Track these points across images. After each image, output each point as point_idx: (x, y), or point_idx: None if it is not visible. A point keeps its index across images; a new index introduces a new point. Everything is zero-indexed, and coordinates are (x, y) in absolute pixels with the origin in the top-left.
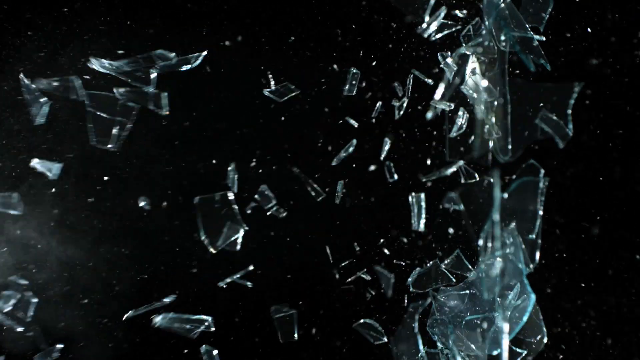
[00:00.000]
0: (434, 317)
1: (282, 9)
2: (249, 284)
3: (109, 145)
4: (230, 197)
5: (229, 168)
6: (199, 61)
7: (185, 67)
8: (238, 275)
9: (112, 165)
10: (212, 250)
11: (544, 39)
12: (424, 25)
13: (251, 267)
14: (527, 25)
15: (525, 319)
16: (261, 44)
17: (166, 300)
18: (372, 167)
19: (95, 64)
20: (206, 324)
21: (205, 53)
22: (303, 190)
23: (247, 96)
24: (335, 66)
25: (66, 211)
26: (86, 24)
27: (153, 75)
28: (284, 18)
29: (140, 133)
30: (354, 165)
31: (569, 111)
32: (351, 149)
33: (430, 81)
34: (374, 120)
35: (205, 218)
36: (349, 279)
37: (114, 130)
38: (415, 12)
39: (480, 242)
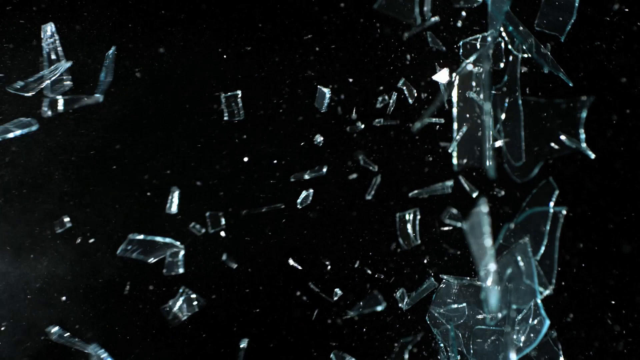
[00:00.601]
0: (434, 314)
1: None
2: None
3: None
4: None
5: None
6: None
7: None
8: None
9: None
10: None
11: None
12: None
13: (192, 293)
14: (541, 45)
15: (537, 342)
16: (232, 49)
17: (53, 331)
18: (354, 175)
19: (46, 30)
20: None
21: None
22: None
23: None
24: (310, 72)
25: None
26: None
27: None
28: (251, 19)
29: (78, 149)
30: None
31: (582, 125)
32: (319, 173)
33: (411, 100)
34: (355, 135)
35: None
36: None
37: None
38: (408, 17)
39: (482, 274)
